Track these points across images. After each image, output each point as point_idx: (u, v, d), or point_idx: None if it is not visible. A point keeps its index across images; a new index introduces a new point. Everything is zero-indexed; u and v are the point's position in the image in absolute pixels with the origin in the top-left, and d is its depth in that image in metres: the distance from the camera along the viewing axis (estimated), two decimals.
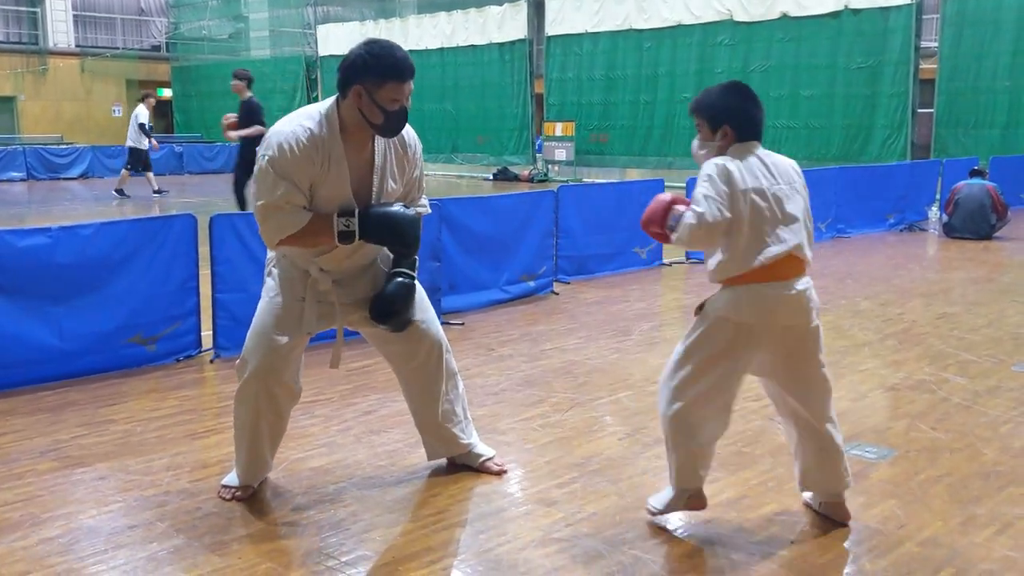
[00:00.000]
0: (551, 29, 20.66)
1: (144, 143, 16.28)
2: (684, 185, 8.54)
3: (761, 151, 2.99)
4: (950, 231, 10.76)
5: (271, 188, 3.02)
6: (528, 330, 6.20)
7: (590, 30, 19.92)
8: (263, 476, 3.50)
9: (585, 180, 18.32)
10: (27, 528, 3.16)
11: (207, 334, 5.41)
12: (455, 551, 3.04)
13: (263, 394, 3.28)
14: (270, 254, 3.37)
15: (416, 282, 3.32)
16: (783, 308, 2.92)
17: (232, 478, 3.45)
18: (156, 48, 32.48)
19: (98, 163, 21.51)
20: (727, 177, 2.87)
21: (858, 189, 11.23)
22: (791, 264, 2.93)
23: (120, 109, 30.73)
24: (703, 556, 2.99)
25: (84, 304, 4.95)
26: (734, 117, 2.98)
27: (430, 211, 3.55)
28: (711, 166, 2.92)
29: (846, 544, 3.06)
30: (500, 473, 3.63)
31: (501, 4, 21.41)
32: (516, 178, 20.74)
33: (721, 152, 2.97)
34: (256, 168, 3.09)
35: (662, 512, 3.16)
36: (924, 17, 15.94)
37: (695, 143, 3.09)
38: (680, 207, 2.99)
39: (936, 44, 16.25)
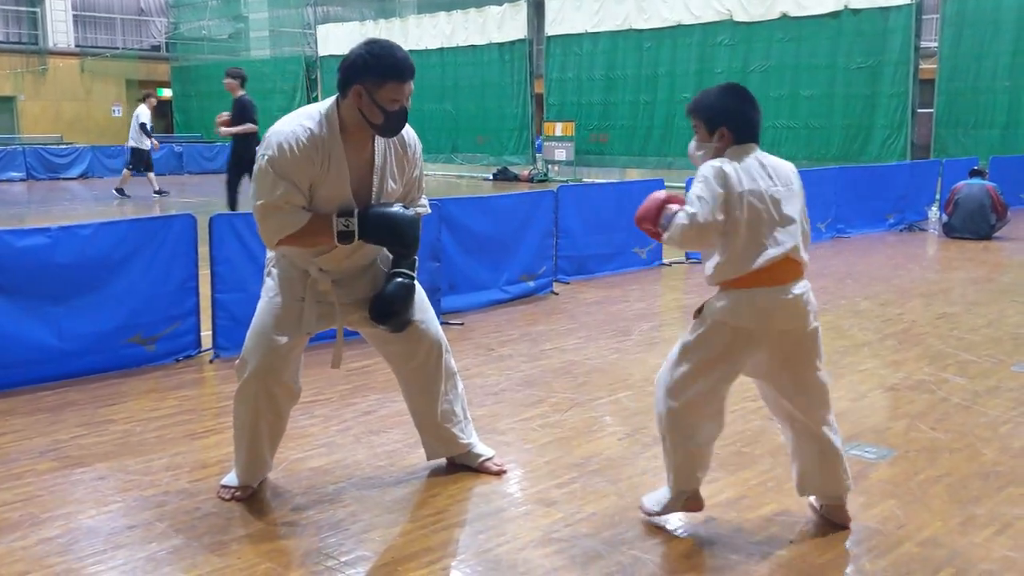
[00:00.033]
0: (551, 29, 20.66)
1: (145, 143, 16.29)
2: (684, 185, 8.55)
3: (758, 153, 2.99)
4: (950, 231, 10.77)
5: (271, 188, 3.02)
6: (528, 330, 6.20)
7: (590, 30, 19.92)
8: (262, 476, 3.50)
9: (585, 180, 18.32)
10: (26, 528, 3.16)
11: (207, 334, 5.41)
12: (454, 551, 3.04)
13: (262, 394, 3.28)
14: (269, 254, 3.36)
15: (416, 282, 3.33)
16: (781, 312, 2.92)
17: (231, 478, 3.45)
18: (156, 48, 32.48)
19: (98, 163, 21.53)
20: (723, 180, 2.86)
21: (858, 189, 11.23)
22: (788, 267, 2.93)
23: (120, 109, 30.73)
24: (702, 556, 2.99)
25: (83, 304, 4.95)
26: (732, 119, 2.97)
27: (430, 211, 3.55)
28: (707, 168, 2.92)
29: (845, 544, 3.06)
30: (499, 473, 3.63)
31: (501, 4, 21.41)
32: (516, 178, 20.75)
33: (718, 154, 2.97)
34: (256, 168, 3.09)
35: (658, 514, 3.16)
36: (924, 17, 15.96)
37: (692, 144, 3.09)
38: (674, 206, 2.99)
39: (936, 44, 16.26)
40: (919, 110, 15.96)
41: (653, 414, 3.15)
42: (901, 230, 11.56)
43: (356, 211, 3.09)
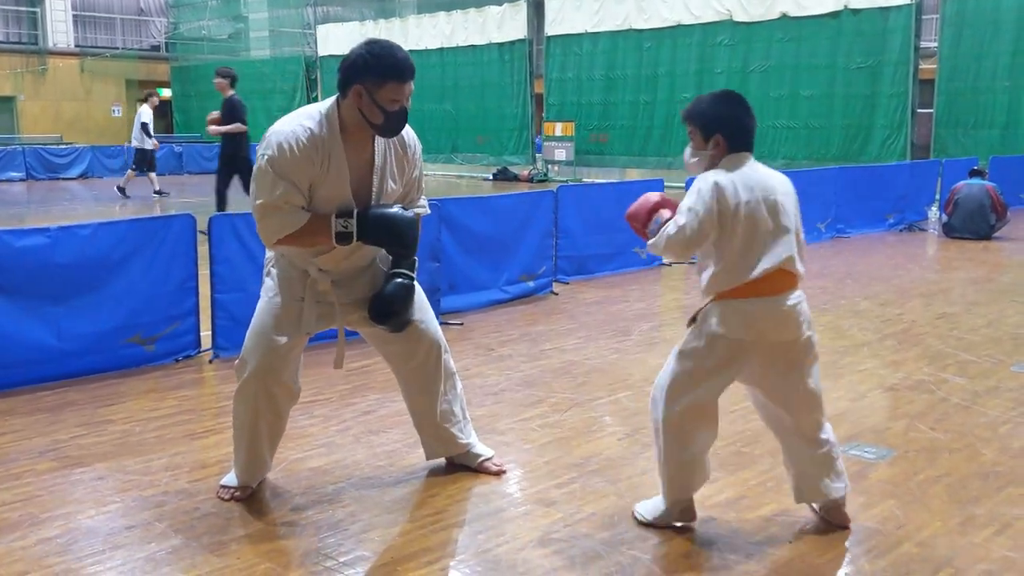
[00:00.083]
0: (551, 29, 20.67)
1: (148, 143, 16.32)
2: (684, 185, 8.55)
3: (753, 163, 2.99)
4: (950, 231, 10.77)
5: (270, 187, 3.02)
6: (527, 330, 6.20)
7: (590, 30, 19.93)
8: (262, 476, 3.50)
9: (585, 180, 18.33)
10: (26, 528, 3.16)
11: (206, 334, 5.41)
12: (453, 551, 3.04)
13: (262, 394, 3.28)
14: (269, 254, 3.36)
15: (415, 282, 3.33)
16: (774, 323, 2.92)
17: (231, 478, 3.45)
18: (156, 48, 32.47)
19: (97, 163, 21.52)
20: (718, 194, 2.86)
21: (858, 189, 11.23)
22: (783, 278, 2.93)
23: (120, 109, 30.74)
24: (701, 556, 2.99)
25: (83, 304, 4.95)
26: (727, 126, 2.97)
27: (429, 212, 3.55)
28: (703, 181, 2.92)
29: (845, 544, 3.06)
30: (499, 473, 3.63)
31: (501, 4, 21.41)
32: (516, 178, 20.75)
33: (714, 161, 2.97)
34: (255, 167, 3.10)
35: (651, 524, 3.15)
36: (924, 17, 15.96)
37: (687, 152, 3.08)
38: (665, 212, 3.01)
39: (936, 44, 16.26)
40: (919, 110, 15.96)
41: (648, 420, 3.15)
42: (901, 230, 11.56)
43: (355, 212, 3.10)
